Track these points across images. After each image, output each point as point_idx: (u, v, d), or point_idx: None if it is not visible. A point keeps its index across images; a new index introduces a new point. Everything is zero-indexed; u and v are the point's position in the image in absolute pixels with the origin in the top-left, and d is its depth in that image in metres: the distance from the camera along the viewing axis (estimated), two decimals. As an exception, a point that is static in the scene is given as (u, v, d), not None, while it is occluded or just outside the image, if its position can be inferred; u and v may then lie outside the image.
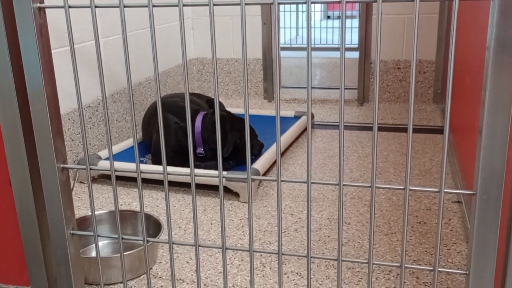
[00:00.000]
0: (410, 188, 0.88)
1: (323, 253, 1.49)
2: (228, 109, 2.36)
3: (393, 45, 3.01)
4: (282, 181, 0.94)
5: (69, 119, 2.05)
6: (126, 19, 0.93)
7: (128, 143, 2.26)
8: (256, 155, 2.07)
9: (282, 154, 2.30)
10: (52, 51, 1.03)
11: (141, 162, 2.11)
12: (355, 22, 4.60)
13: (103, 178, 2.07)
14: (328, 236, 1.58)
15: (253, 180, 1.85)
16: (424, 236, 1.55)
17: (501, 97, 0.79)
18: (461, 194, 1.69)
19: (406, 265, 0.93)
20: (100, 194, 1.93)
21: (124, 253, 1.10)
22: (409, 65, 3.02)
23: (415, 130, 2.55)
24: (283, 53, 4.55)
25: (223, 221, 0.99)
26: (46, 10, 0.99)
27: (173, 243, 1.04)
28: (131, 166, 1.86)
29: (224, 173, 1.83)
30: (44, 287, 1.16)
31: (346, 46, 0.84)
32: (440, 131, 2.54)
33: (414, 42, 0.82)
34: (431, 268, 0.91)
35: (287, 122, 2.48)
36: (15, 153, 1.06)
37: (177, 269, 1.42)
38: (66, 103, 2.02)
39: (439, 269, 0.90)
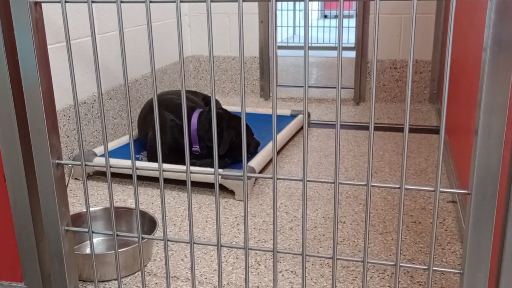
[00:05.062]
0: (405, 187, 0.88)
1: (318, 252, 1.49)
2: (224, 107, 2.36)
3: (390, 44, 3.01)
4: (277, 178, 0.94)
5: (64, 115, 2.04)
6: (123, 16, 0.93)
7: (123, 140, 2.25)
8: (252, 153, 2.07)
9: (278, 152, 2.30)
10: (48, 47, 1.03)
11: (137, 159, 2.11)
12: (352, 22, 4.60)
13: (98, 174, 2.07)
14: (323, 235, 1.58)
15: (249, 178, 1.85)
16: (419, 235, 1.56)
17: (497, 98, 0.79)
18: (456, 194, 1.70)
19: (400, 264, 0.93)
20: (95, 191, 1.93)
21: (119, 250, 1.10)
22: (405, 65, 3.02)
23: (411, 130, 2.55)
24: (280, 52, 4.55)
25: (218, 218, 0.99)
26: (42, 4, 0.98)
27: (168, 240, 1.04)
28: (126, 163, 1.86)
29: (220, 170, 1.82)
30: (38, 283, 1.15)
31: (343, 45, 0.85)
32: (435, 131, 2.55)
33: (411, 42, 0.82)
34: (425, 267, 0.91)
35: (283, 120, 2.48)
36: (9, 148, 1.06)
37: (171, 266, 1.42)
38: (62, 99, 2.01)
39: (434, 268, 0.90)
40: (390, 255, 1.46)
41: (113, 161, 1.83)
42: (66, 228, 1.10)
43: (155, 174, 1.87)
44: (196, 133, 2.00)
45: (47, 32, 1.01)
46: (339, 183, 0.91)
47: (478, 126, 0.81)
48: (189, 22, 3.26)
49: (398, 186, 0.89)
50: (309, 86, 3.40)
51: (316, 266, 1.41)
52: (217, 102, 2.56)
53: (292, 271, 1.39)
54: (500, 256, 0.86)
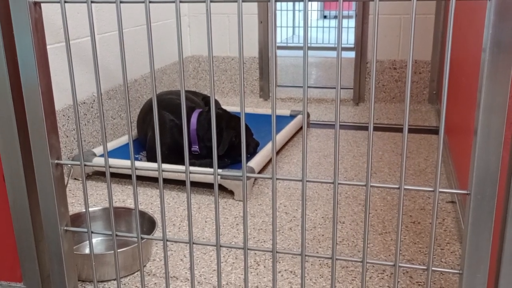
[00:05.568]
0: (404, 187, 0.88)
1: (317, 252, 1.49)
2: (223, 107, 2.36)
3: (389, 45, 3.01)
4: (277, 179, 0.94)
5: (64, 115, 2.04)
6: (122, 16, 0.93)
7: (123, 140, 2.25)
8: (251, 154, 2.07)
9: (278, 153, 2.30)
10: (47, 47, 1.02)
11: (136, 159, 2.11)
12: (352, 22, 4.60)
13: (98, 175, 2.06)
14: (323, 235, 1.58)
15: (248, 178, 1.85)
16: (418, 235, 1.56)
17: (497, 98, 0.79)
18: (455, 194, 1.70)
19: (400, 265, 0.93)
20: (94, 191, 1.93)
21: (118, 250, 1.10)
22: (405, 65, 3.02)
23: (410, 130, 2.55)
24: (279, 52, 4.54)
25: (218, 219, 0.99)
26: (42, 4, 0.98)
27: (167, 241, 1.04)
28: (125, 163, 1.86)
29: (219, 171, 1.82)
30: (37, 283, 1.15)
31: (343, 45, 0.85)
32: (435, 131, 2.55)
33: (411, 42, 0.82)
34: (424, 268, 0.91)
35: (282, 121, 2.48)
36: (9, 148, 1.06)
37: (171, 266, 1.42)
38: (61, 99, 2.01)
39: (433, 268, 0.90)
40: (389, 255, 1.46)
41: (113, 161, 1.83)
42: (65, 228, 1.10)
43: (154, 174, 1.87)
44: (195, 133, 2.00)
45: (46, 32, 1.01)
46: (339, 184, 0.91)
47: (477, 127, 0.81)
48: (188, 22, 3.26)
49: (397, 186, 0.89)
50: (308, 87, 3.40)
51: (315, 266, 1.41)
52: (216, 102, 2.56)
53: (291, 271, 1.39)
54: (499, 257, 0.86)
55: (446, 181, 1.91)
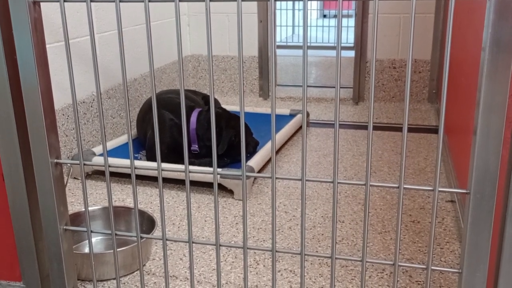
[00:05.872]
0: (404, 186, 0.88)
1: (317, 251, 1.49)
2: (223, 106, 2.35)
3: (389, 44, 3.01)
4: (276, 178, 0.94)
5: (63, 114, 2.04)
6: (122, 15, 0.93)
7: (122, 139, 2.25)
8: (251, 153, 2.07)
9: (277, 152, 2.30)
10: (47, 46, 1.02)
11: (136, 158, 2.11)
12: (351, 21, 4.60)
13: (97, 174, 2.06)
14: (322, 234, 1.58)
15: (247, 177, 1.85)
16: (417, 235, 1.56)
17: (496, 97, 0.79)
18: (455, 193, 1.70)
19: (399, 264, 0.93)
20: (94, 190, 1.93)
21: (118, 249, 1.10)
22: (404, 65, 3.02)
23: (410, 130, 2.55)
24: (279, 51, 4.54)
25: (217, 218, 0.99)
26: (41, 4, 0.98)
27: (166, 240, 1.04)
28: (125, 162, 1.86)
29: (219, 170, 1.82)
30: (36, 282, 1.15)
31: (342, 45, 0.84)
32: (434, 130, 2.55)
33: (410, 41, 0.82)
34: (424, 267, 0.91)
35: (282, 120, 2.48)
36: (8, 148, 1.06)
37: (170, 265, 1.42)
38: (61, 99, 2.01)
39: (432, 267, 0.90)
40: (389, 255, 1.46)
41: (112, 161, 1.83)
42: (64, 227, 1.10)
43: (154, 173, 1.87)
44: (195, 133, 2.00)
45: (45, 31, 1.01)
46: (338, 183, 0.91)
47: (477, 126, 0.81)
48: (188, 22, 3.26)
49: (397, 185, 0.89)
50: (308, 86, 3.38)
51: (315, 266, 1.41)
52: (216, 101, 2.55)
53: (291, 271, 1.39)
54: (499, 256, 0.86)
55: (445, 180, 1.91)
